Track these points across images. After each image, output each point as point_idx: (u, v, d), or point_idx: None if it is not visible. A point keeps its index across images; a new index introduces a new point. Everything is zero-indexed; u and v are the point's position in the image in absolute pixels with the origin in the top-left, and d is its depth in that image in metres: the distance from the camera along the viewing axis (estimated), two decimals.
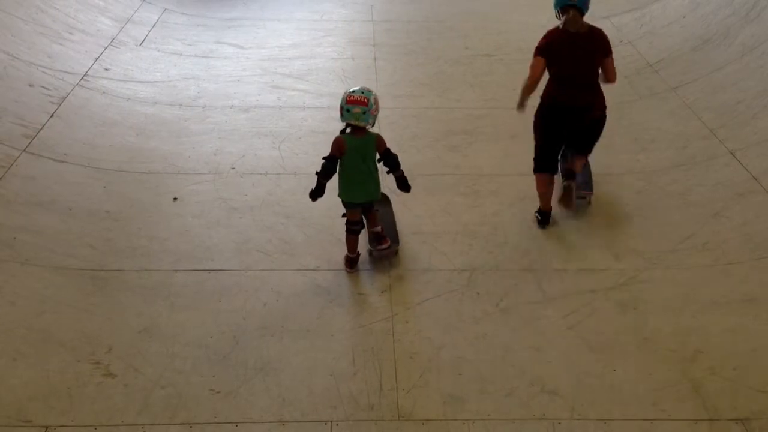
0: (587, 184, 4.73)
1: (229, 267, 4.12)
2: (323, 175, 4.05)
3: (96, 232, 4.29)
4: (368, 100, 3.92)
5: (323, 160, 4.05)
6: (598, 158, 5.21)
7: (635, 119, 5.74)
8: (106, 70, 6.18)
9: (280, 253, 4.26)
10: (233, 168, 5.12)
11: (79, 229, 4.29)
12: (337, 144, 4.03)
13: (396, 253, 4.33)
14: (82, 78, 5.90)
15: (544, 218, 4.60)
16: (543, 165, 4.53)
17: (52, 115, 5.26)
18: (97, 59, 6.28)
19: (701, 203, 4.61)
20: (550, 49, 4.34)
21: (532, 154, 4.60)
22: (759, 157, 4.82)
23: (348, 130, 4.03)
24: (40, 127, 5.07)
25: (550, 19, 6.68)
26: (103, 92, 5.86)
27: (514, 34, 7.71)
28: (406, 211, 4.68)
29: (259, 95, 6.22)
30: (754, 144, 4.96)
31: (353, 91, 3.97)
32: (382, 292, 3.98)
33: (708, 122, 5.43)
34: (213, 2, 8.52)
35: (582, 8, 4.30)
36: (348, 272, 4.17)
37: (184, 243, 4.30)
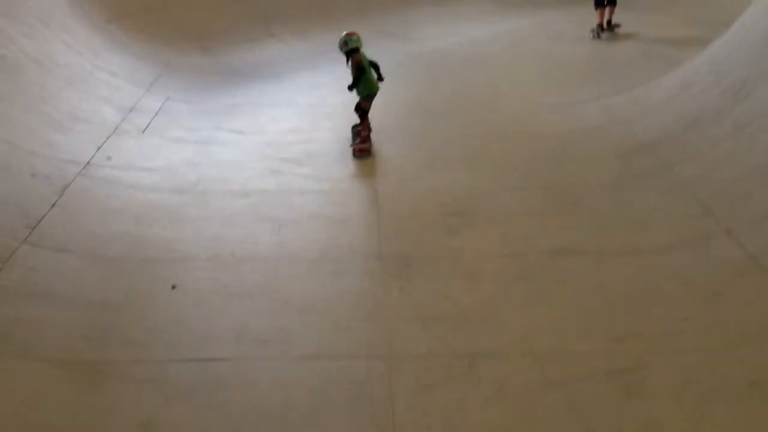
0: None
1: (227, 356, 4.08)
2: (360, 74, 6.77)
3: (93, 323, 4.26)
4: (357, 32, 6.83)
5: (358, 70, 6.76)
6: (593, 238, 5.24)
7: (631, 198, 5.78)
8: (109, 158, 6.27)
9: (278, 341, 4.22)
10: (232, 254, 5.13)
11: (76, 319, 4.26)
12: (359, 60, 6.77)
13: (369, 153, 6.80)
14: (84, 167, 5.98)
15: (599, 29, 11.28)
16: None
17: (53, 205, 5.31)
18: (99, 148, 6.38)
19: (701, 283, 4.59)
20: None
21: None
22: (756, 236, 4.82)
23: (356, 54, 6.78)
24: (40, 217, 5.11)
25: (545, 101, 6.92)
26: (105, 181, 5.92)
27: (509, 115, 7.87)
28: (405, 296, 4.67)
29: (258, 180, 6.28)
30: (751, 222, 4.97)
31: (345, 32, 6.80)
32: (381, 380, 3.92)
33: (703, 201, 5.46)
34: (214, 89, 8.73)
35: None
36: (360, 152, 6.79)
37: (182, 332, 4.27)
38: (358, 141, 7.01)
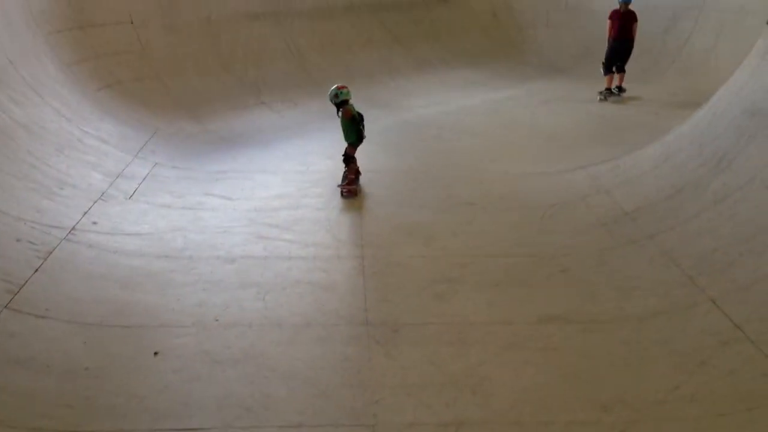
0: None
1: (209, 425, 4.00)
2: (358, 125, 7.57)
3: (73, 390, 4.18)
4: (347, 86, 7.60)
5: (352, 121, 7.54)
6: (581, 306, 5.25)
7: (616, 267, 5.82)
8: (94, 223, 6.26)
9: (262, 409, 4.15)
10: (217, 320, 5.09)
11: (56, 387, 4.18)
12: (351, 112, 7.50)
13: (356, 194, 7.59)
14: (69, 232, 5.96)
15: (608, 92, 12.51)
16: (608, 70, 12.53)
17: (36, 270, 5.27)
18: (86, 213, 6.38)
19: (686, 352, 4.59)
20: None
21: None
22: (739, 305, 4.86)
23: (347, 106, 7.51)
24: (23, 282, 5.06)
25: (530, 170, 7.01)
26: (90, 246, 5.90)
27: (495, 183, 7.95)
28: (391, 361, 4.63)
29: (245, 246, 6.27)
30: (734, 291, 5.01)
31: (336, 85, 7.56)
32: None
33: (687, 269, 5.51)
34: (202, 156, 8.80)
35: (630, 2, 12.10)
36: (346, 193, 7.51)
37: (164, 400, 4.19)
38: (345, 182, 7.65)
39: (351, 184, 7.64)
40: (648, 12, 14.85)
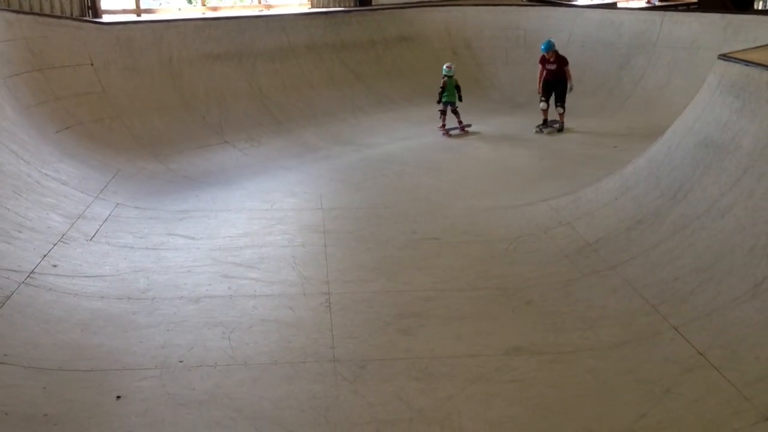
0: None
1: None
2: (441, 94, 12.42)
3: None
4: (451, 66, 12.35)
5: (441, 88, 12.38)
6: (547, 337, 5.28)
7: (580, 297, 5.88)
8: (54, 266, 6.15)
9: None
10: (181, 361, 5.00)
11: None
12: (444, 82, 12.31)
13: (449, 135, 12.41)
14: (28, 276, 5.83)
15: (544, 123, 12.92)
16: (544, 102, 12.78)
17: None
18: (45, 256, 6.26)
19: (651, 380, 4.63)
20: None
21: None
22: (701, 333, 4.93)
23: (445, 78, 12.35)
24: None
25: (494, 204, 7.09)
26: (50, 289, 5.78)
27: (459, 218, 8.02)
28: (359, 398, 4.59)
29: (209, 285, 6.21)
30: (695, 319, 5.09)
31: (446, 65, 12.44)
32: None
33: (650, 299, 5.59)
34: (165, 196, 8.73)
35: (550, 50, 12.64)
36: (445, 134, 12.58)
37: None
38: (440, 126, 12.60)
39: (443, 128, 12.49)
40: (603, 49, 15.30)
